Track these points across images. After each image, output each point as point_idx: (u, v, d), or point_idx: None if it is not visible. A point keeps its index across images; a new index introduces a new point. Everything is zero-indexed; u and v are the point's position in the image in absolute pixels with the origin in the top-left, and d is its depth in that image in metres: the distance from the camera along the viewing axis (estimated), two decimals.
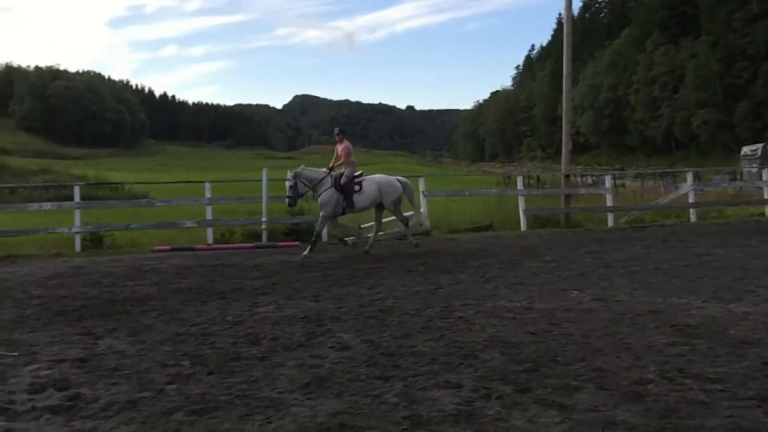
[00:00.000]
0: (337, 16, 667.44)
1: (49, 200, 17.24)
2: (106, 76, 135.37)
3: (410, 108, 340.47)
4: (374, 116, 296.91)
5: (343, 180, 11.82)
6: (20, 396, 4.40)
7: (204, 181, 15.43)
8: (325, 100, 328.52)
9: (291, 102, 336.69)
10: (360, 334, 5.88)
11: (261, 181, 14.56)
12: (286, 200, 11.98)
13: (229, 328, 6.27)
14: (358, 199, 11.95)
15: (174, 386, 4.54)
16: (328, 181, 11.85)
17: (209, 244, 13.81)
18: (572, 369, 4.71)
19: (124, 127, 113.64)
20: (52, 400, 4.30)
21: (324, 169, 12.11)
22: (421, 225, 13.83)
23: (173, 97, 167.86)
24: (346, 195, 11.86)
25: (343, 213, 12.14)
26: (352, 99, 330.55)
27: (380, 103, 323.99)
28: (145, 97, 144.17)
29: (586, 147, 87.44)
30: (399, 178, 12.69)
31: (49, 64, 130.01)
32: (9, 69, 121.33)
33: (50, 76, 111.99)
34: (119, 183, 28.09)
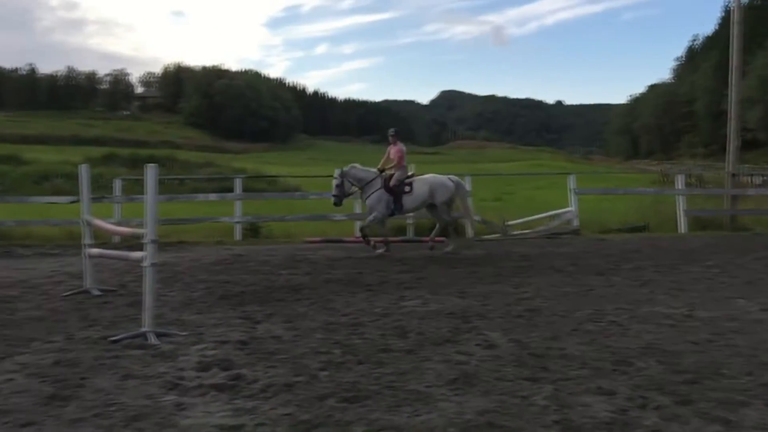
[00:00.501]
0: (486, 9, 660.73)
1: (213, 191, 18.52)
2: (264, 75, 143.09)
3: (559, 103, 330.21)
4: (521, 111, 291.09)
5: (393, 182, 11.58)
6: (189, 373, 4.76)
7: None
8: (471, 95, 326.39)
9: (437, 98, 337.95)
10: (507, 333, 5.81)
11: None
12: (332, 198, 11.76)
13: (377, 320, 6.43)
14: (408, 201, 11.68)
15: (326, 373, 4.72)
16: (378, 182, 11.61)
17: (357, 237, 14.20)
18: (738, 383, 4.38)
19: (279, 123, 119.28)
20: (216, 378, 4.62)
21: (374, 170, 11.83)
22: (567, 223, 13.41)
23: (324, 93, 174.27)
24: (396, 197, 11.63)
25: (392, 215, 11.96)
26: (499, 94, 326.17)
27: (527, 98, 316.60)
28: (298, 94, 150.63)
29: (756, 144, 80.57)
30: (452, 177, 12.34)
31: (214, 63, 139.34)
32: (179, 69, 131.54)
33: (215, 75, 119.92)
34: (275, 176, 29.57)
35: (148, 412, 3.98)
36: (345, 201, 12.17)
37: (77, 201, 13.63)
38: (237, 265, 10.23)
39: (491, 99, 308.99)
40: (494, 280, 8.73)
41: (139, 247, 6.10)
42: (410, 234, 14.14)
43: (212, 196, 15.93)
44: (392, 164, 11.73)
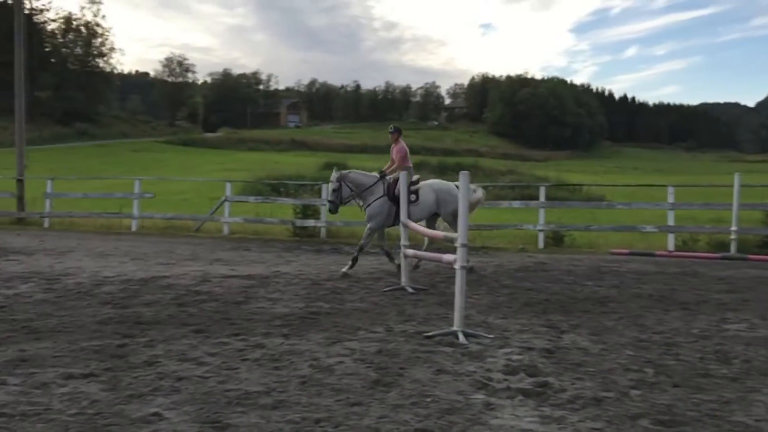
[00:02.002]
0: None
1: (514, 199, 18.80)
2: (569, 81, 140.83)
3: None
4: None
5: (397, 188, 9.75)
6: (496, 375, 4.89)
7: (665, 185, 14.87)
8: None
9: (766, 99, 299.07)
10: None
11: (727, 186, 13.36)
12: (327, 205, 10.37)
13: (695, 342, 5.93)
14: (415, 211, 9.79)
15: (638, 392, 4.50)
16: (380, 189, 10.14)
17: (670, 251, 13.24)
18: None
19: (583, 131, 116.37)
20: (523, 383, 4.68)
21: (375, 174, 10.38)
22: None
23: (633, 98, 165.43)
24: (400, 206, 9.69)
25: (393, 225, 10.17)
26: None
27: None
28: (605, 99, 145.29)
29: None
30: (457, 183, 10.39)
31: (518, 72, 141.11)
32: (485, 79, 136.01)
33: (519, 84, 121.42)
34: (578, 184, 28.92)
35: (460, 407, 4.19)
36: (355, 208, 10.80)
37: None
38: (540, 273, 10.23)
39: None
40: None
41: (447, 251, 6.45)
42: (733, 250, 12.74)
43: (516, 204, 16.16)
44: (393, 167, 10.26)
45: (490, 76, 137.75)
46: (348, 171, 10.46)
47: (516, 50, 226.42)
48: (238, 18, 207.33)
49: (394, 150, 10.36)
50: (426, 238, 10.33)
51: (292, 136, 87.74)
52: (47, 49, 75.73)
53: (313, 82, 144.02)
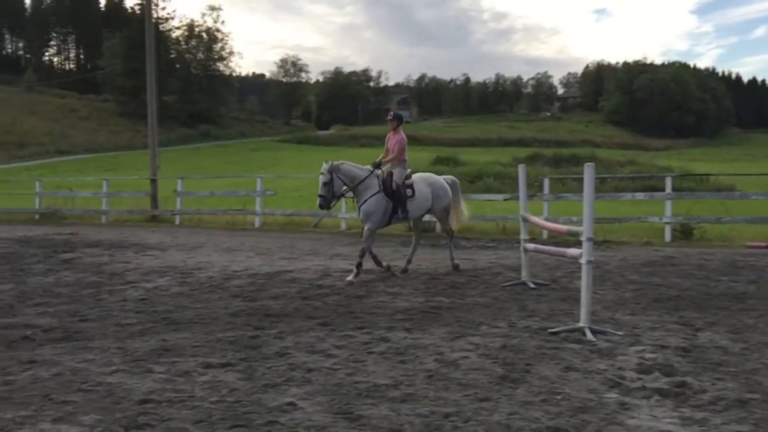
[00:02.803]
0: None
1: (634, 190, 18.01)
2: (691, 66, 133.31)
3: None
4: None
5: (394, 183, 9.06)
6: (629, 373, 4.72)
7: None
8: None
9: None
10: None
11: None
12: (317, 200, 9.13)
13: None
14: (413, 207, 9.00)
15: None
16: (375, 184, 9.07)
17: None
18: None
19: (708, 117, 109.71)
20: (659, 383, 4.49)
21: (368, 167, 9.28)
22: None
23: (763, 81, 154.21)
24: (397, 202, 9.01)
25: (389, 224, 9.32)
26: None
27: None
28: (732, 83, 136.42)
29: None
30: (446, 177, 9.65)
31: (635, 59, 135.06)
32: (599, 67, 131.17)
33: (637, 70, 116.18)
34: (706, 174, 27.34)
35: (593, 406, 4.07)
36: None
37: (510, 198, 14.69)
38: (669, 268, 9.75)
39: None
40: None
41: (569, 244, 6.27)
42: None
43: (639, 195, 15.46)
44: (391, 157, 9.28)
45: (605, 63, 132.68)
46: (340, 162, 9.21)
47: (633, 35, 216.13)
48: (348, 16, 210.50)
49: (393, 140, 9.30)
50: (413, 238, 9.91)
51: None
52: (172, 56, 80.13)
53: (422, 77, 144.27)
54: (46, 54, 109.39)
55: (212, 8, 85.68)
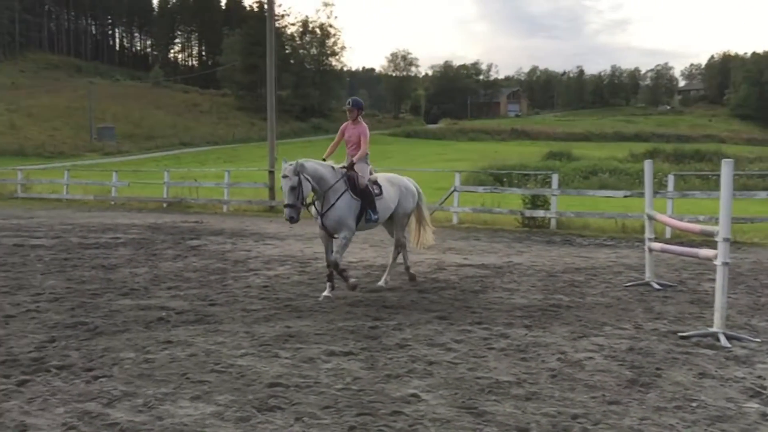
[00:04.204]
0: None
1: (765, 189, 16.84)
2: None
3: None
4: None
5: (361, 181, 7.53)
6: None
7: None
8: None
9: None
10: None
11: None
12: (285, 211, 7.13)
13: None
14: (382, 208, 7.67)
15: None
16: (341, 183, 7.43)
17: None
18: None
19: None
20: None
21: (330, 163, 7.66)
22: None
23: None
24: (367, 202, 7.53)
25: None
26: None
27: None
28: None
29: None
30: (409, 179, 8.28)
31: (766, 49, 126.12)
32: (725, 57, 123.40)
33: (767, 61, 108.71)
34: None
35: (732, 415, 3.86)
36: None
37: (630, 195, 14.12)
38: None
39: None
40: None
41: (694, 244, 5.94)
42: None
43: None
44: (360, 153, 7.72)
45: (732, 53, 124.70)
46: (304, 160, 7.31)
47: (763, 24, 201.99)
48: (459, 8, 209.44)
49: (354, 131, 7.85)
50: (408, 242, 8.55)
51: (512, 125, 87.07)
52: (287, 51, 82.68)
53: (533, 70, 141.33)
54: (172, 51, 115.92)
55: (326, 4, 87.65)
